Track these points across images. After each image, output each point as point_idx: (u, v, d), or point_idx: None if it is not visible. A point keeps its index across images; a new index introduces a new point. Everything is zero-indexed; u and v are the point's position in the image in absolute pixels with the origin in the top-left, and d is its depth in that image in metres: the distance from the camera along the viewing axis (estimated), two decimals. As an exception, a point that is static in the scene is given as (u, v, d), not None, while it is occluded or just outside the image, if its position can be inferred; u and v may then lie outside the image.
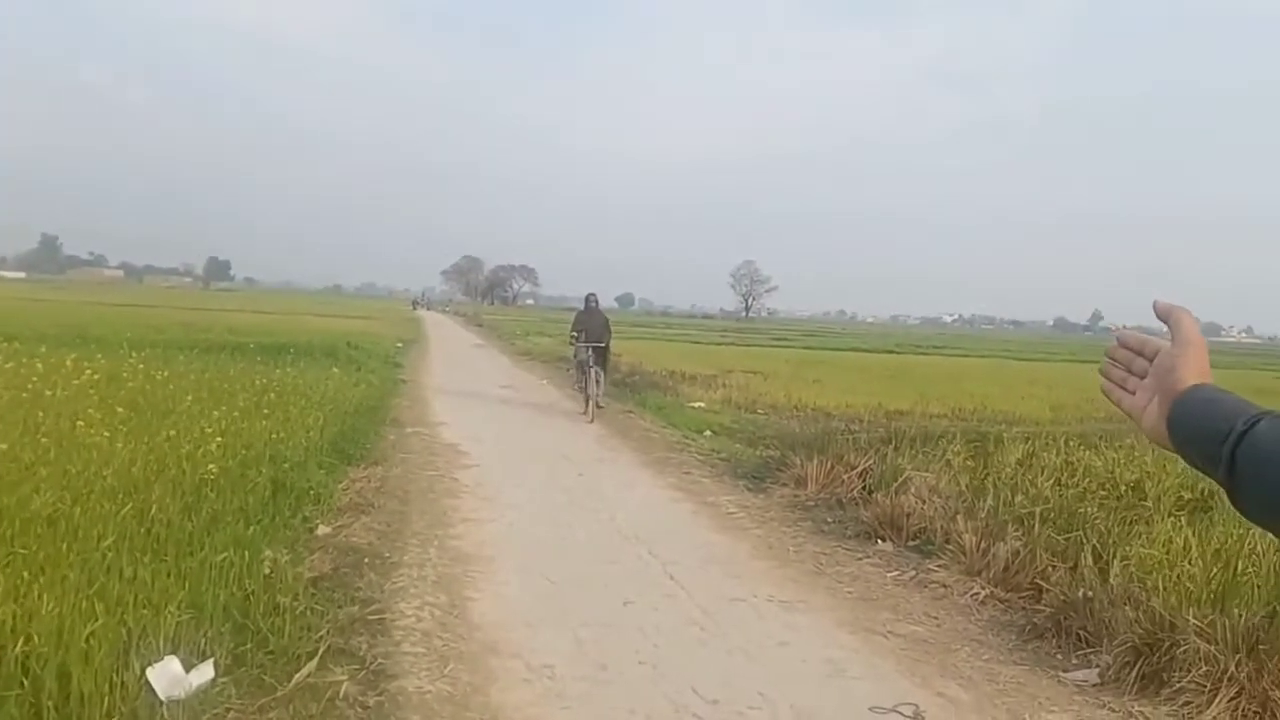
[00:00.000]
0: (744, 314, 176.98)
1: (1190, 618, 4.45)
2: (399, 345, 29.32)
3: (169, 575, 4.96)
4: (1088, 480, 9.09)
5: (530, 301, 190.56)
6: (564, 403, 16.80)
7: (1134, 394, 1.18)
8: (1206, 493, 8.84)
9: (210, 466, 7.17)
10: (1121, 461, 10.33)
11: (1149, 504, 8.28)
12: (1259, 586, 5.00)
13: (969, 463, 9.61)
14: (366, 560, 6.05)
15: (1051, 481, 8.38)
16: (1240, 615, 4.41)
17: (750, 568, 6.54)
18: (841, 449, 9.53)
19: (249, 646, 4.37)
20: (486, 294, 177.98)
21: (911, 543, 7.18)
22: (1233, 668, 4.17)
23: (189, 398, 10.61)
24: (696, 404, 16.34)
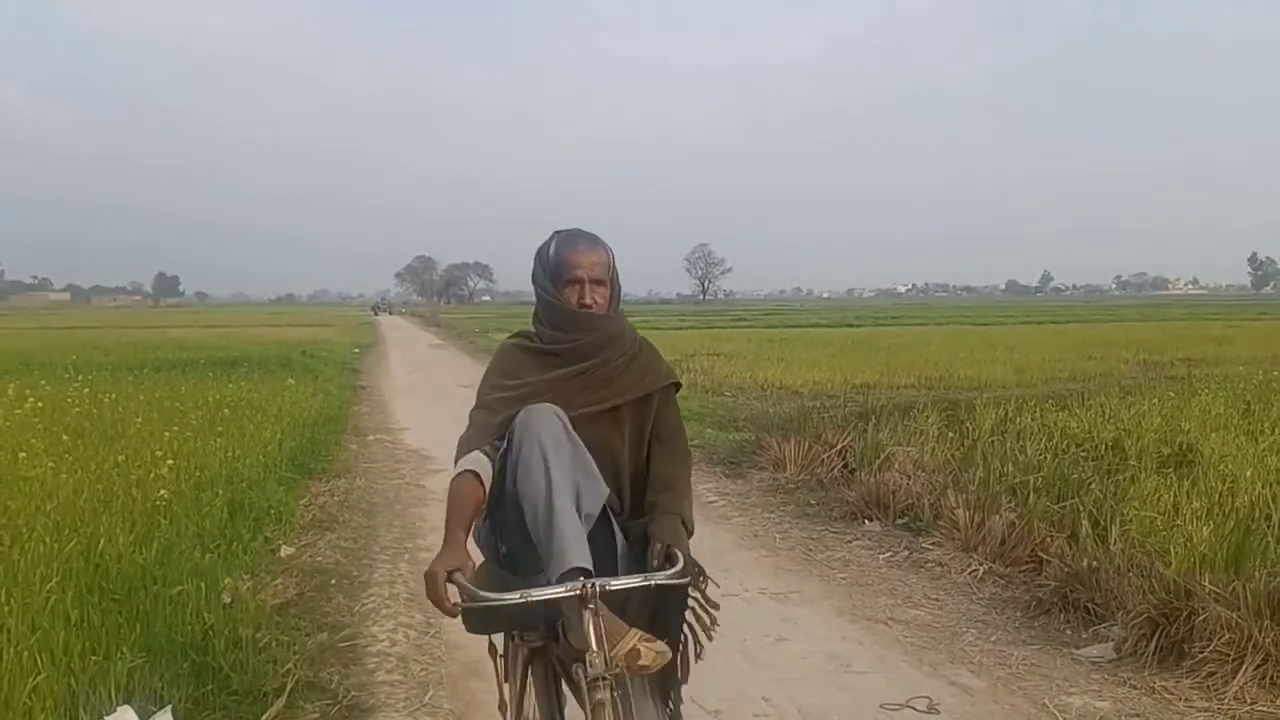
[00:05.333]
0: (701, 297, 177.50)
1: (1206, 584, 4.24)
2: (356, 351, 28.86)
3: (120, 615, 4.59)
4: (1066, 442, 8.94)
5: (487, 298, 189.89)
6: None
7: None
8: (1185, 446, 8.73)
9: (162, 492, 6.77)
10: (1097, 420, 10.21)
11: (1132, 462, 8.12)
12: (1275, 546, 4.80)
13: (946, 432, 9.43)
14: (333, 581, 5.70)
15: (1038, 448, 8.18)
16: (1260, 578, 4.20)
17: (737, 559, 6.27)
18: (818, 427, 9.29)
19: (210, 687, 4.02)
20: (442, 293, 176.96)
21: (900, 520, 6.94)
22: (1257, 634, 3.96)
23: (138, 419, 10.16)
24: (663, 390, 16.02)
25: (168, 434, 9.04)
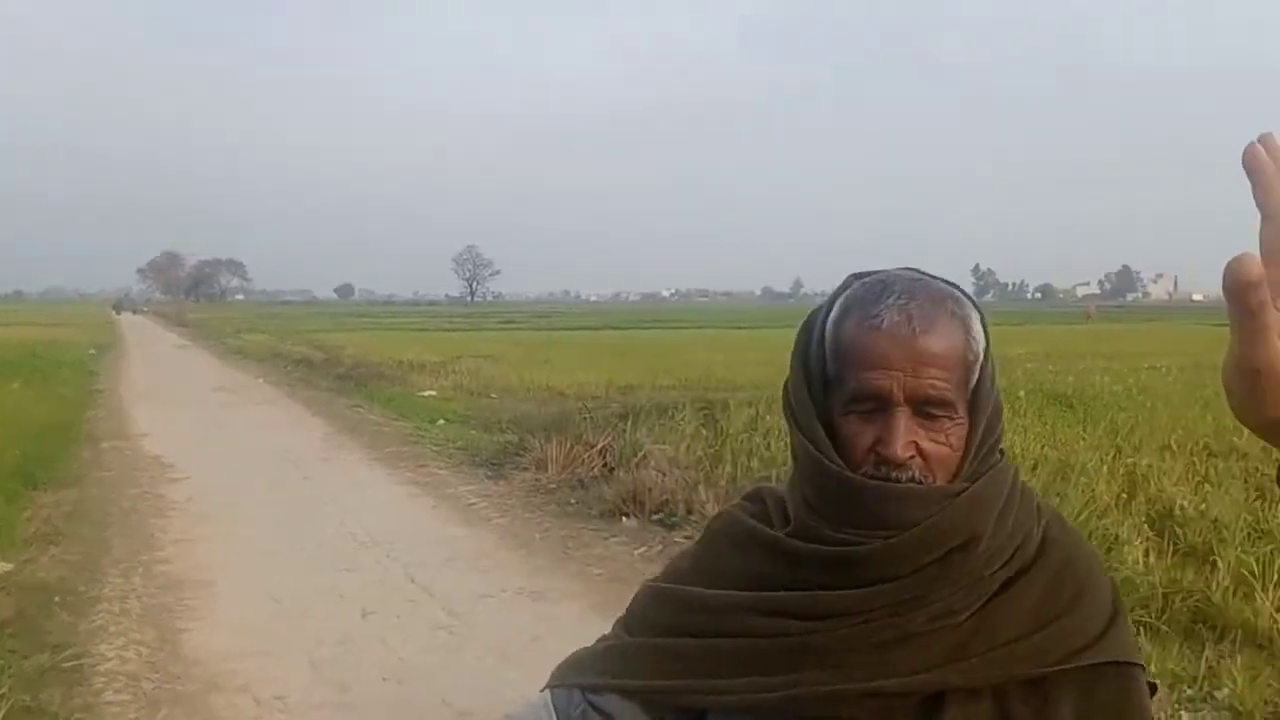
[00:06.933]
0: (470, 299, 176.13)
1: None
2: (93, 352, 26.86)
3: None
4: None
5: (240, 297, 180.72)
6: (283, 400, 15.85)
7: None
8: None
9: None
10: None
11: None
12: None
13: (702, 431, 9.78)
14: (58, 598, 5.29)
15: (783, 445, 8.62)
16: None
17: (497, 559, 6.29)
18: (580, 428, 9.43)
19: (-91, 720, 3.67)
20: (190, 291, 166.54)
21: (655, 516, 7.16)
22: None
23: None
24: (427, 392, 15.84)
25: None
